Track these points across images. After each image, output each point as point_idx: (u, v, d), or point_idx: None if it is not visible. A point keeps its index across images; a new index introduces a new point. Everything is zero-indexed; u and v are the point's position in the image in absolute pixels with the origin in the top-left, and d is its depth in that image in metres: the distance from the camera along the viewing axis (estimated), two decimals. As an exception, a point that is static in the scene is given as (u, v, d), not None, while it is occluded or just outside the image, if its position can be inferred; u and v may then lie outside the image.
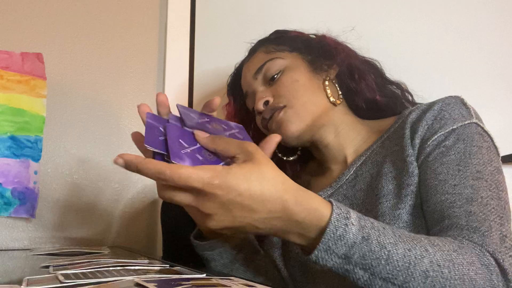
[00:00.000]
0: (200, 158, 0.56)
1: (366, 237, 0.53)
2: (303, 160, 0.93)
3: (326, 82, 0.83)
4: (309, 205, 0.54)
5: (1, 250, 1.04)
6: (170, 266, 0.63)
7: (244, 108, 0.93)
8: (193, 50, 1.28)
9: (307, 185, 0.88)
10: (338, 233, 0.52)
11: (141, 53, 1.26)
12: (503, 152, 1.04)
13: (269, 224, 0.53)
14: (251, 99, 0.87)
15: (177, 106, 0.66)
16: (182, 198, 0.52)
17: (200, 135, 0.58)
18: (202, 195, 0.51)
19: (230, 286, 0.45)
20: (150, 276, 0.52)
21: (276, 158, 0.91)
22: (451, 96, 0.74)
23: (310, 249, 0.55)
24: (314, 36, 0.90)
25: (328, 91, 0.82)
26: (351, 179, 0.79)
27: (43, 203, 1.10)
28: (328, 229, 0.52)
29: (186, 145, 0.56)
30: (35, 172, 1.08)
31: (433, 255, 0.54)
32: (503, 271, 0.57)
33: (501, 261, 0.57)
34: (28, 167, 1.08)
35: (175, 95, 1.24)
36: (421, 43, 1.10)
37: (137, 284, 0.46)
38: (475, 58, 1.08)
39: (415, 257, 0.53)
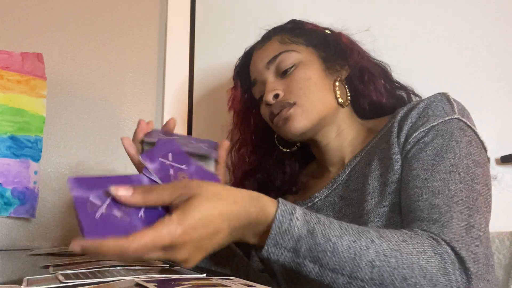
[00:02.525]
0: (118, 215, 0.50)
1: (311, 231, 0.54)
2: (303, 160, 0.93)
3: (337, 83, 0.82)
4: (258, 205, 0.54)
5: (1, 250, 1.04)
6: (170, 266, 0.63)
7: (249, 94, 0.91)
8: (193, 50, 1.28)
9: (305, 187, 0.89)
10: (283, 227, 0.54)
11: (141, 53, 1.26)
12: (503, 152, 1.05)
13: (235, 236, 0.54)
14: (259, 88, 0.86)
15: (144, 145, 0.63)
16: (151, 256, 0.48)
17: (123, 197, 0.51)
18: (172, 248, 0.49)
19: (230, 286, 0.45)
20: (150, 276, 0.52)
21: (276, 152, 0.91)
22: (438, 93, 0.73)
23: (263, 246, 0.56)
24: (329, 32, 0.88)
25: (338, 92, 0.81)
26: (346, 180, 0.79)
27: (43, 203, 1.10)
28: (274, 224, 0.54)
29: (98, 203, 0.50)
30: (35, 172, 1.08)
31: (379, 246, 0.55)
32: (460, 260, 0.57)
33: (458, 249, 0.57)
34: (28, 167, 1.08)
35: (175, 95, 1.24)
36: (429, 45, 1.09)
37: (137, 284, 0.47)
38: (476, 59, 1.08)
39: (360, 248, 0.54)
